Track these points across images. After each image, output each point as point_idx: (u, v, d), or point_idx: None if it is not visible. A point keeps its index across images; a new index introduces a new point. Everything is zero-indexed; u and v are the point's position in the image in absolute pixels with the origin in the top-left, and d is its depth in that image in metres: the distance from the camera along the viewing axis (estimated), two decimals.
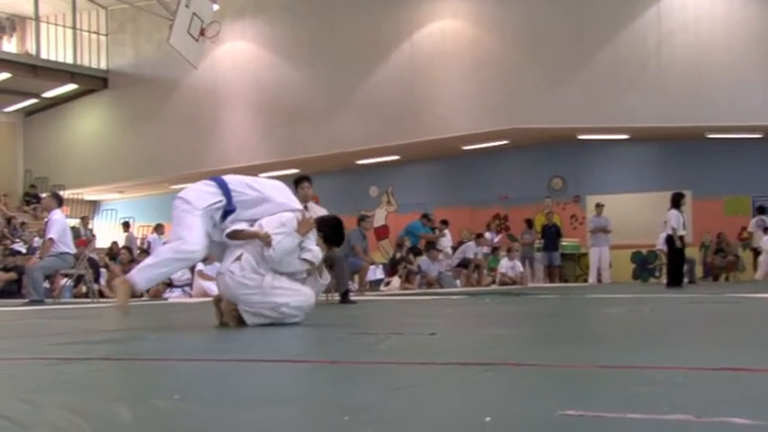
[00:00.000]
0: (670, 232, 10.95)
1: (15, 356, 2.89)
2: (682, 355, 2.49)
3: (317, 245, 4.15)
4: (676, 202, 11.05)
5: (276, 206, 4.09)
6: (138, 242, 16.54)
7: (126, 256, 12.74)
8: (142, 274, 4.06)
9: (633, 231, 15.04)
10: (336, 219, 4.47)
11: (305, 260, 4.06)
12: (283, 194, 4.25)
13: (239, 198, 4.05)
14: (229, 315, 4.01)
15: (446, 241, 14.59)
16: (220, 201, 4.03)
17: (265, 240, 3.91)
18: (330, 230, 4.31)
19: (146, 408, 1.60)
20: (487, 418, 1.41)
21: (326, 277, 4.37)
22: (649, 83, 14.08)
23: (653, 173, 15.57)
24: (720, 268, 14.96)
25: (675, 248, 10.99)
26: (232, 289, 3.95)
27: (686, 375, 2.00)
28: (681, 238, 10.91)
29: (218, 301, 4.22)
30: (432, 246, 13.74)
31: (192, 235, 3.97)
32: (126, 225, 17.54)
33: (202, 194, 4.06)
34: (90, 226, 16.49)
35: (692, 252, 14.11)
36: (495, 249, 15.67)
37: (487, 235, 15.69)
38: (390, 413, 1.53)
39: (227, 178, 4.17)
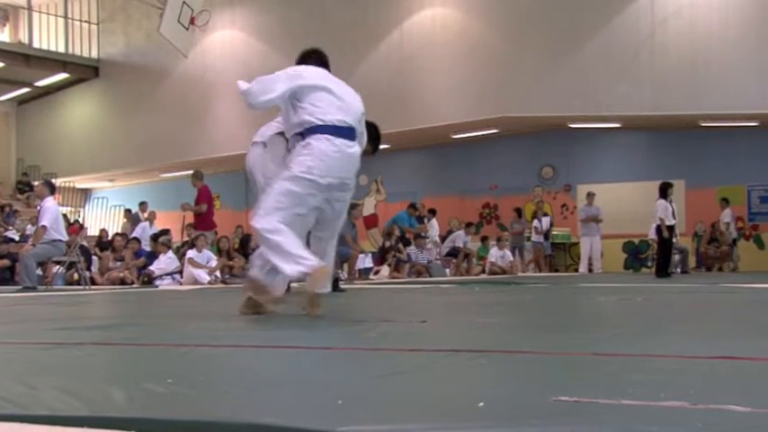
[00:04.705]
0: (658, 222, 11.00)
1: (10, 341, 2.89)
2: (677, 344, 2.49)
3: None
4: (664, 191, 11.09)
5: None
6: (120, 229, 16.52)
7: (120, 242, 12.71)
8: None
9: (625, 221, 15.06)
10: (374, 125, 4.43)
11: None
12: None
13: None
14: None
15: (433, 231, 14.58)
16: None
17: None
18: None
19: (139, 390, 1.61)
20: (480, 404, 1.41)
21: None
22: (642, 70, 13.88)
23: (645, 162, 15.51)
24: (714, 258, 14.91)
25: (664, 239, 11.04)
26: (259, 160, 4.09)
27: (682, 363, 2.00)
28: (669, 227, 10.95)
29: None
30: (417, 235, 13.76)
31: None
32: (128, 213, 17.44)
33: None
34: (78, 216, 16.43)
35: (684, 242, 14.15)
36: (484, 239, 15.64)
37: (536, 223, 15.46)
38: (383, 398, 1.54)
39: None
